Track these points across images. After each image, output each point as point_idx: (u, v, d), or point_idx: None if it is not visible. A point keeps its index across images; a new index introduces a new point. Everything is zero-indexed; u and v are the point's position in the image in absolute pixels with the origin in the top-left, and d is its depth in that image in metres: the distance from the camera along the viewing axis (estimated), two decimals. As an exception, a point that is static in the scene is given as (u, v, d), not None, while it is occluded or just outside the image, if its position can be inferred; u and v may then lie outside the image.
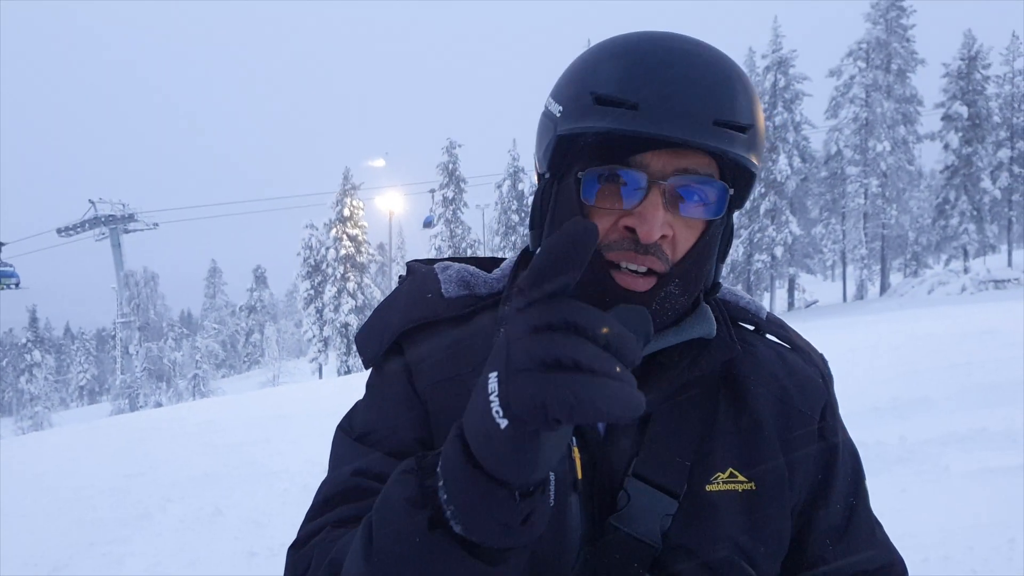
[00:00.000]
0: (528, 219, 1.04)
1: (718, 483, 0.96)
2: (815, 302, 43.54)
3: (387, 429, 0.98)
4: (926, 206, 45.87)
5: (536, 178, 1.04)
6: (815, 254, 43.35)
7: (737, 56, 44.97)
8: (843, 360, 13.11)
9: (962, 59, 41.58)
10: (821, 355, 1.14)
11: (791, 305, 43.12)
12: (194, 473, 9.21)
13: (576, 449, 0.92)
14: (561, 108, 0.94)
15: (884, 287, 42.35)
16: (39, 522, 7.45)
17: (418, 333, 1.03)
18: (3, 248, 41.69)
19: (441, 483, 0.69)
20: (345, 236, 46.70)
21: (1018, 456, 6.12)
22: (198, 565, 5.84)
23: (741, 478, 0.98)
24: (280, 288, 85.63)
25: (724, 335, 1.03)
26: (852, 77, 40.37)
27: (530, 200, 1.10)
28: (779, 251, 39.77)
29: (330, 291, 46.31)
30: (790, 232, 39.66)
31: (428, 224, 45.51)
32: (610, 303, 0.85)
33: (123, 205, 49.56)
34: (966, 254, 41.81)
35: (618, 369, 0.59)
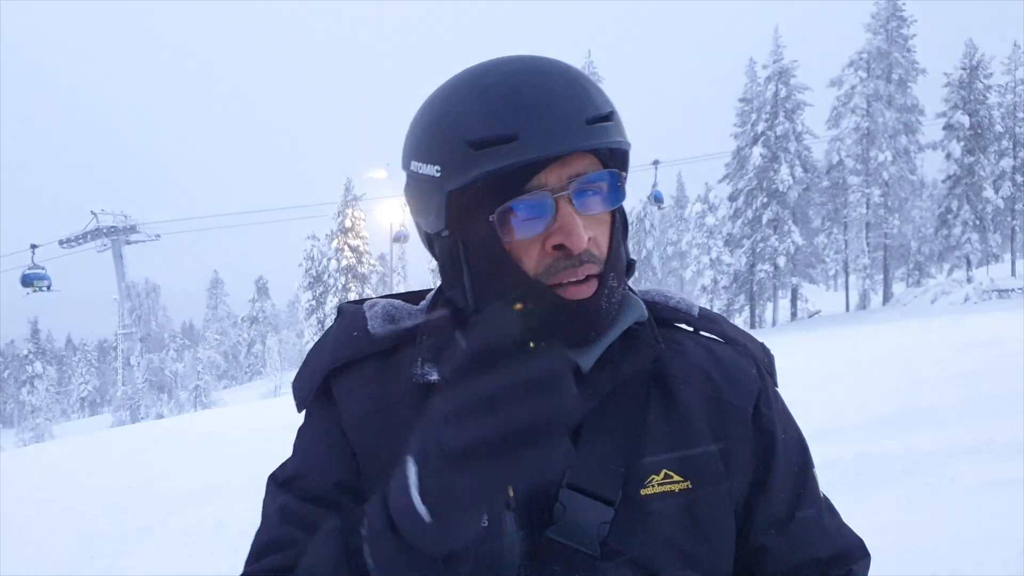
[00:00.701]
0: (440, 280, 1.06)
1: (653, 486, 0.96)
2: (818, 312, 43.45)
3: (309, 473, 1.00)
4: (928, 216, 45.78)
5: (426, 243, 1.05)
6: (817, 264, 43.27)
7: (738, 67, 45.10)
8: (847, 371, 13.09)
9: (963, 68, 41.61)
10: (761, 345, 1.13)
11: (794, 315, 43.05)
12: (196, 485, 9.19)
13: None
14: (438, 167, 0.94)
15: (887, 297, 42.28)
16: (40, 534, 7.42)
17: (345, 371, 1.04)
18: (36, 251, 41.85)
19: (366, 548, 0.73)
20: (347, 247, 46.75)
21: (1025, 468, 6.08)
22: (200, 579, 5.81)
23: (676, 478, 0.97)
24: (282, 299, 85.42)
25: (647, 335, 1.03)
26: (853, 87, 40.39)
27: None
28: (781, 261, 39.74)
29: (332, 302, 46.30)
30: (792, 242, 39.64)
31: (27, 283, 41.91)
32: (565, 320, 0.93)
33: (125, 216, 49.61)
34: (969, 263, 41.75)
35: (538, 424, 0.61)
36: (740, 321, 43.57)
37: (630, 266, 1.05)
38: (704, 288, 42.81)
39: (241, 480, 9.13)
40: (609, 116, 0.94)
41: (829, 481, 5.28)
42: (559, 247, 0.92)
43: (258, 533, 0.98)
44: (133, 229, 49.75)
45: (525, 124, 0.89)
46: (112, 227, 49.01)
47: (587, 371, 0.98)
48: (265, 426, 14.36)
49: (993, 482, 5.82)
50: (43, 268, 41.25)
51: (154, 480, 9.88)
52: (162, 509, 8.09)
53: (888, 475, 6.29)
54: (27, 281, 40.67)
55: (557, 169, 0.92)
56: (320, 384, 1.04)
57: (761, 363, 1.10)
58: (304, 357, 1.11)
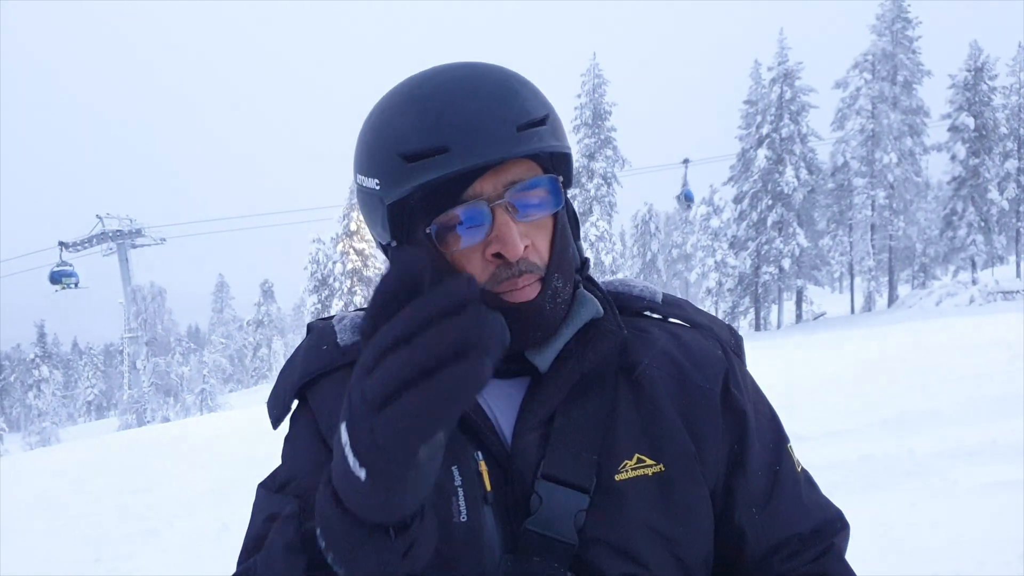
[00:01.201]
0: None
1: (626, 471, 0.97)
2: (823, 314, 43.40)
3: (299, 475, 1.01)
4: (933, 217, 45.71)
5: (382, 251, 1.07)
6: (822, 266, 43.22)
7: (743, 69, 45.05)
8: (851, 373, 13.08)
9: (968, 70, 41.54)
10: (728, 326, 1.14)
11: (799, 317, 43.00)
12: (201, 488, 9.21)
13: (483, 463, 0.95)
14: (377, 180, 0.96)
15: (892, 299, 42.21)
16: (45, 538, 7.46)
17: (317, 383, 1.05)
18: (41, 254, 42.05)
19: (319, 529, 0.71)
20: (352, 250, 46.79)
21: (1028, 469, 6.08)
22: (205, 581, 5.83)
23: (649, 462, 0.98)
24: (287, 302, 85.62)
25: (611, 323, 1.05)
26: (858, 89, 40.36)
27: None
28: (786, 263, 39.70)
29: (337, 305, 46.36)
30: (797, 244, 39.60)
31: (55, 280, 42.20)
32: (511, 323, 0.90)
33: (130, 220, 49.68)
34: (974, 265, 41.65)
35: (454, 349, 0.56)
36: (745, 323, 43.53)
37: (584, 264, 1.07)
38: (709, 290, 42.78)
39: (247, 484, 9.14)
40: (543, 120, 0.95)
41: (833, 483, 5.32)
42: (498, 256, 0.94)
43: (246, 535, 1.00)
44: (139, 233, 49.79)
45: (454, 134, 0.90)
46: (118, 231, 49.05)
47: (544, 370, 1.00)
48: (270, 429, 14.39)
49: (995, 483, 5.83)
50: (70, 265, 41.47)
51: (160, 483, 9.91)
52: (168, 512, 8.12)
53: (892, 477, 6.29)
54: (55, 279, 40.88)
55: (492, 177, 0.93)
56: (293, 399, 1.07)
57: (727, 344, 1.11)
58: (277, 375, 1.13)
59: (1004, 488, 5.71)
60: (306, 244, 48.28)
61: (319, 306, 47.23)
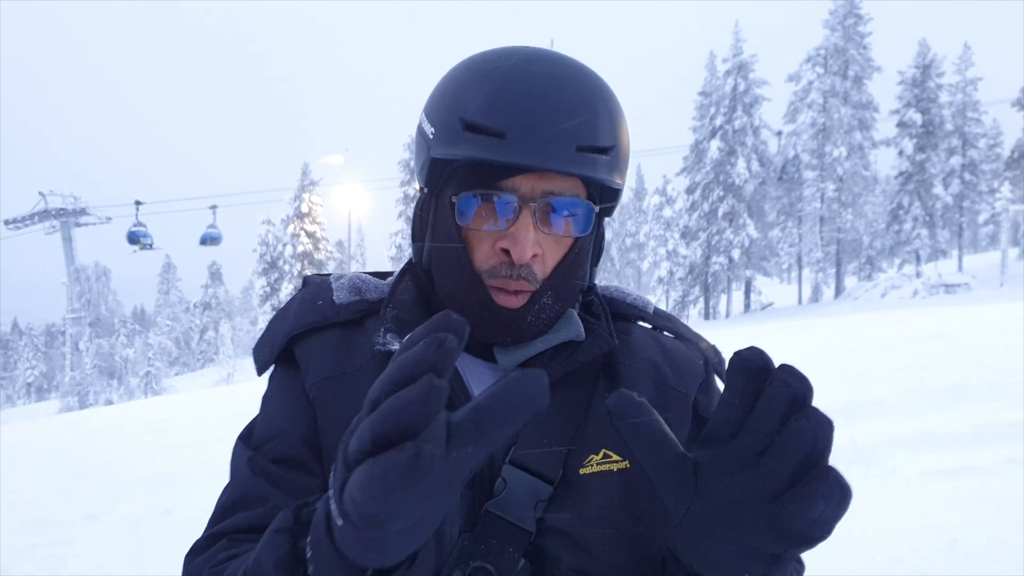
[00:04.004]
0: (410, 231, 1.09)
1: (592, 465, 0.98)
2: (771, 304, 44.07)
3: (276, 435, 1.00)
4: (880, 211, 46.66)
5: (418, 189, 1.08)
6: (771, 257, 43.89)
7: (699, 59, 45.47)
8: (797, 363, 13.25)
9: (917, 67, 42.40)
10: (712, 346, 1.16)
11: (747, 307, 43.62)
12: (145, 473, 9.06)
13: None
14: (433, 130, 0.97)
15: (839, 290, 43.01)
16: (-20, 522, 7.27)
17: (308, 336, 1.05)
18: (140, 208, 41.56)
19: (309, 553, 0.69)
20: (303, 233, 46.30)
21: (962, 458, 6.25)
22: (145, 566, 5.73)
23: (615, 458, 0.99)
24: (236, 285, 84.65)
25: (603, 330, 1.06)
26: (810, 82, 40.97)
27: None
28: (736, 254, 40.24)
29: (287, 288, 45.86)
30: (747, 235, 40.15)
31: (133, 240, 41.94)
32: (488, 319, 0.97)
33: (75, 198, 48.53)
34: (918, 259, 42.61)
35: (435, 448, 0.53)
36: (695, 312, 44.05)
37: (589, 289, 1.10)
38: (660, 279, 43.21)
39: (191, 468, 9.03)
40: (606, 150, 0.95)
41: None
42: (506, 251, 0.95)
43: (225, 490, 0.99)
44: (83, 211, 48.65)
45: (516, 127, 0.90)
46: (61, 209, 47.91)
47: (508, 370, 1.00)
48: (217, 413, 14.22)
49: (931, 472, 5.98)
50: (144, 225, 41.25)
51: (102, 467, 9.73)
52: (109, 496, 7.96)
53: (834, 465, 6.41)
54: (133, 239, 40.64)
55: (534, 179, 0.94)
56: (282, 348, 1.05)
57: (710, 359, 1.13)
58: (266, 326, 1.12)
59: (941, 476, 5.87)
60: (255, 225, 47.65)
61: (268, 289, 46.70)
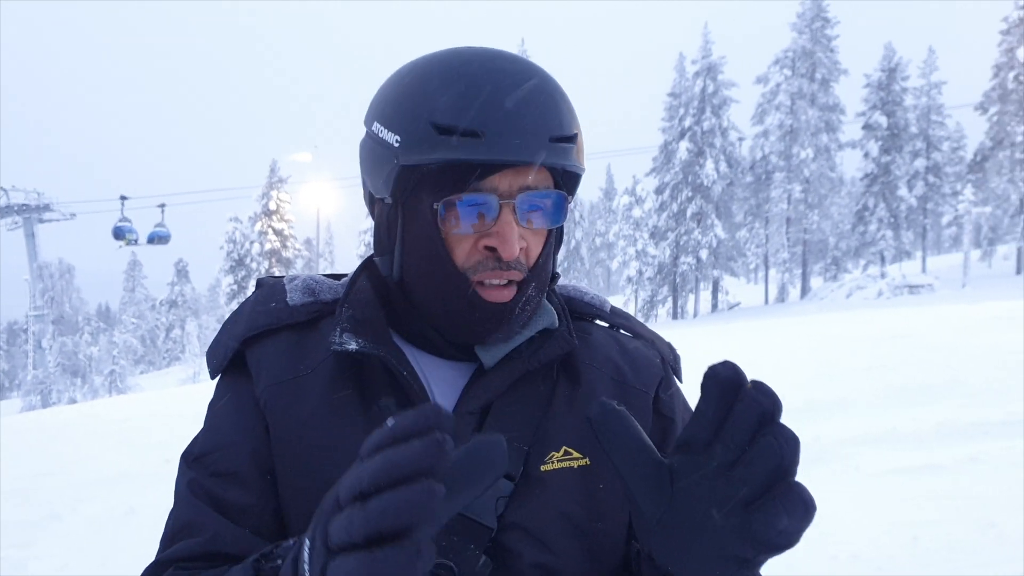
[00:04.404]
0: (373, 245, 1.07)
1: (552, 462, 0.99)
2: (738, 304, 44.42)
3: (220, 448, 0.99)
4: (846, 212, 47.21)
5: (367, 201, 1.07)
6: (739, 257, 44.26)
7: (668, 61, 45.71)
8: (763, 362, 13.40)
9: (882, 70, 42.96)
10: (668, 344, 1.17)
11: (715, 307, 43.94)
12: (108, 472, 8.95)
13: None
14: (399, 138, 0.95)
15: (805, 290, 43.46)
16: (-62, 524, 7.14)
17: (260, 340, 1.05)
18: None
19: None
20: (271, 230, 45.96)
21: (924, 456, 6.34)
22: (109, 566, 5.67)
23: (576, 455, 1.00)
24: (202, 282, 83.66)
25: (563, 329, 1.08)
26: (778, 85, 41.36)
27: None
28: (704, 254, 40.52)
29: (254, 286, 45.47)
30: (715, 235, 40.44)
31: (119, 235, 41.14)
32: (478, 317, 0.97)
33: (38, 193, 47.76)
34: (883, 260, 43.16)
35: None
36: (663, 312, 44.28)
37: (553, 278, 1.10)
38: (629, 279, 43.37)
39: (156, 467, 8.93)
40: (573, 138, 0.97)
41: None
42: (491, 249, 0.96)
43: (171, 515, 0.98)
44: (47, 207, 47.85)
45: (493, 124, 0.91)
46: (24, 205, 47.11)
47: (489, 367, 1.01)
48: (182, 412, 14.07)
49: (894, 470, 6.07)
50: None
51: (65, 467, 9.59)
52: (71, 496, 7.85)
53: (799, 464, 6.47)
54: (119, 234, 40.21)
55: (511, 176, 0.94)
56: (235, 352, 1.04)
57: (667, 358, 1.14)
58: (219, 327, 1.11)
59: (903, 474, 5.97)
60: (223, 223, 47.21)
61: (235, 287, 46.31)
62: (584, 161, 1.02)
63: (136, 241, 41.25)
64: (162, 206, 41.50)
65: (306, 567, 0.63)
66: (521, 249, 0.97)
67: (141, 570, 0.94)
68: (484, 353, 1.02)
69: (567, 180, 1.03)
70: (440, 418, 0.59)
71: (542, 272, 1.01)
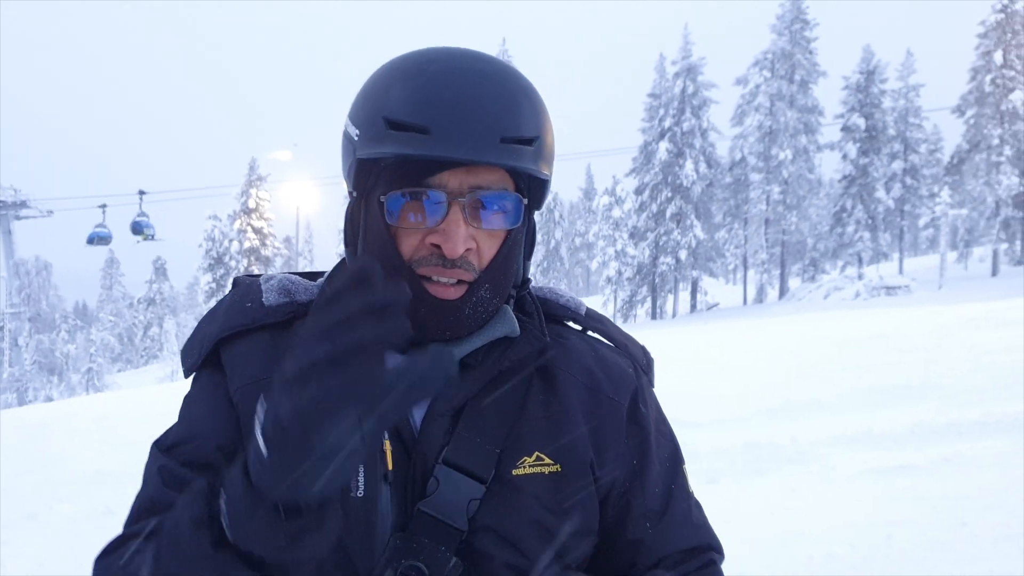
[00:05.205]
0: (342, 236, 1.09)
1: (524, 467, 1.00)
2: (716, 304, 44.63)
3: (191, 439, 1.00)
4: (824, 214, 47.51)
5: (348, 194, 1.08)
6: (718, 258, 44.46)
7: (648, 62, 45.81)
8: (741, 362, 13.49)
9: (861, 73, 43.26)
10: (642, 347, 1.19)
11: (694, 307, 44.11)
12: (86, 471, 8.89)
13: (388, 442, 0.97)
14: (358, 132, 0.98)
15: (783, 291, 43.71)
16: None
17: (235, 339, 1.05)
18: (144, 197, 40.34)
19: (223, 499, 0.76)
20: (250, 228, 45.74)
21: (899, 457, 6.41)
22: (85, 566, 5.61)
23: (547, 460, 1.01)
24: (181, 280, 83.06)
25: (535, 329, 1.08)
26: (757, 86, 41.55)
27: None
28: (683, 254, 40.68)
29: (234, 284, 45.22)
30: (694, 236, 40.60)
31: (92, 240, 41.80)
32: (425, 313, 0.96)
33: (15, 190, 47.28)
34: (860, 261, 43.49)
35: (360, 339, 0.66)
36: (642, 312, 44.42)
37: (524, 284, 1.10)
38: (609, 279, 43.45)
39: (133, 466, 8.79)
40: (530, 141, 0.96)
41: (719, 468, 5.43)
42: (436, 246, 0.95)
43: (138, 496, 0.99)
44: (23, 204, 47.39)
45: (439, 121, 0.91)
46: (0, 201, 46.65)
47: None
48: (160, 411, 13.92)
49: (870, 470, 6.12)
50: (147, 216, 40.05)
51: (41, 466, 9.51)
52: (48, 495, 7.79)
53: (775, 463, 6.51)
54: (137, 229, 39.52)
55: (462, 174, 0.94)
56: (210, 351, 1.05)
57: (639, 363, 1.15)
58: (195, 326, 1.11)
59: (876, 475, 6.01)
60: (201, 220, 46.91)
61: (214, 285, 46.00)
62: (548, 167, 1.01)
63: (154, 237, 40.58)
64: (103, 207, 40.68)
65: (257, 426, 0.72)
66: (471, 249, 0.96)
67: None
68: None
69: (532, 185, 1.03)
70: (371, 269, 0.69)
71: (498, 274, 1.00)
